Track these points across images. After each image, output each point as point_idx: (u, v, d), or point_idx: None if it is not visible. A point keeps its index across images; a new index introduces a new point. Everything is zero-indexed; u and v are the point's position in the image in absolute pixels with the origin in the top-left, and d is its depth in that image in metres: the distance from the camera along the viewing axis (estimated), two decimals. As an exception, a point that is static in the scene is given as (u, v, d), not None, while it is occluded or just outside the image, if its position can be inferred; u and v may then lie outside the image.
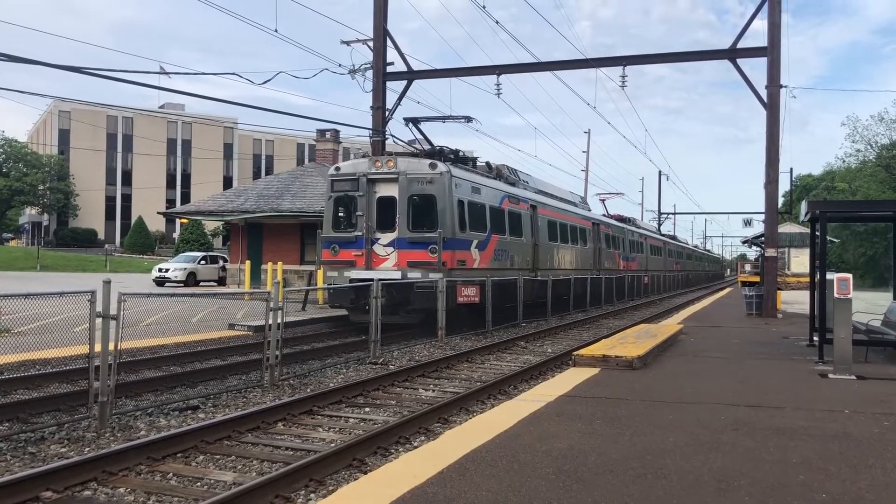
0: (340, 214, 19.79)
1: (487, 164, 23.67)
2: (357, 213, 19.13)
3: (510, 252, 22.34)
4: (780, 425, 7.36)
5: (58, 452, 7.54)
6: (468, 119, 22.39)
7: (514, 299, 21.87)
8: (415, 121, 21.34)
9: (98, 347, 8.53)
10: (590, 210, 36.48)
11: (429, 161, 19.05)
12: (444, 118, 22.88)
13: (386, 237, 19.01)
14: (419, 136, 21.69)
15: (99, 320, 8.55)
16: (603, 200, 48.40)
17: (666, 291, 51.38)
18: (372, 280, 16.74)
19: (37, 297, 9.53)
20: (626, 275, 38.52)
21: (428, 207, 18.71)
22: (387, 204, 19.03)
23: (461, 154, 21.84)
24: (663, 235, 63.90)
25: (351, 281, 18.47)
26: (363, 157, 20.15)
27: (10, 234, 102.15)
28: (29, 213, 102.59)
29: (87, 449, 7.65)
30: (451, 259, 18.54)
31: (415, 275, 18.20)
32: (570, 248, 29.45)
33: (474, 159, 22.61)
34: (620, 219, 43.83)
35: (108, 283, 8.61)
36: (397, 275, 18.29)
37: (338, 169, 20.01)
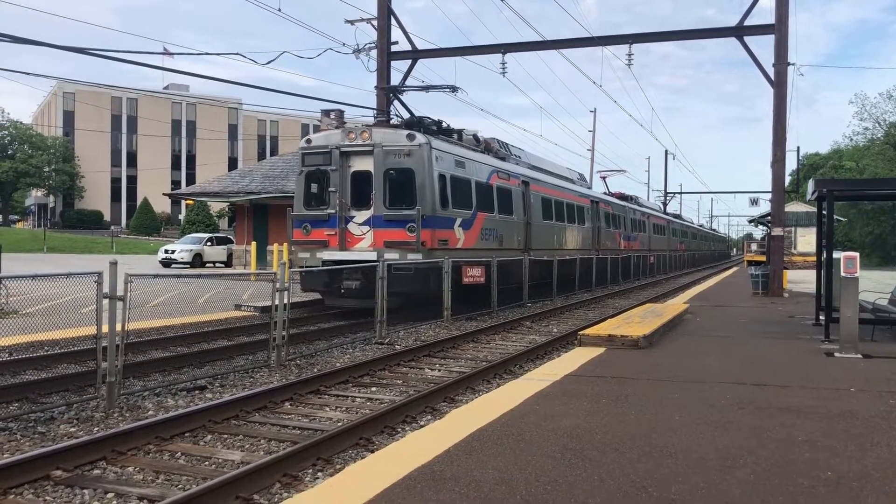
0: (313, 191, 18.42)
1: (475, 136, 22.31)
2: (330, 190, 17.77)
3: (499, 231, 21.09)
4: (785, 404, 7.37)
5: (67, 432, 7.60)
6: (453, 89, 21.44)
7: (511, 280, 21.25)
8: (394, 90, 19.93)
9: (105, 328, 8.57)
10: (589, 188, 34.66)
11: (406, 132, 17.69)
12: (426, 88, 21.91)
13: (361, 215, 17.70)
14: (399, 107, 20.61)
15: (106, 301, 8.59)
16: (604, 178, 47.39)
17: (671, 271, 51.34)
18: (346, 262, 16.23)
19: (44, 279, 9.59)
20: (629, 255, 37.56)
21: (406, 182, 17.38)
22: (362, 179, 17.68)
23: (445, 126, 20.58)
24: (667, 214, 62.90)
25: (324, 263, 17.35)
26: (336, 128, 18.53)
27: (16, 216, 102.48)
28: (35, 195, 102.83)
29: (95, 429, 7.71)
30: (431, 238, 17.24)
31: (392, 256, 16.78)
32: (567, 228, 28.12)
33: (459, 131, 21.29)
34: (622, 197, 42.54)
35: (114, 264, 8.63)
36: (373, 256, 16.73)
37: (309, 141, 18.60)
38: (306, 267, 17.86)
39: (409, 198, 17.27)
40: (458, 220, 18.60)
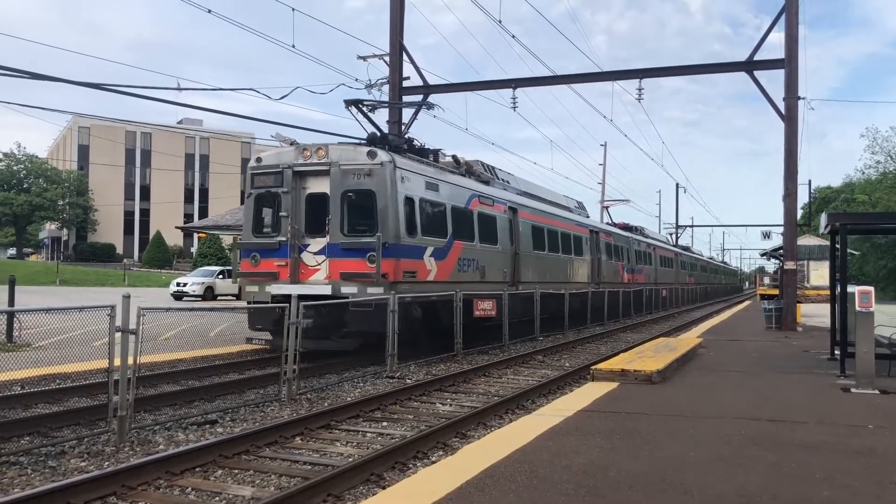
0: (263, 216, 16.48)
1: (454, 157, 20.37)
2: (281, 214, 15.83)
3: (481, 262, 19.13)
4: (802, 440, 7.27)
5: (78, 466, 7.57)
6: (429, 106, 20.09)
7: (504, 315, 19.37)
8: (356, 103, 17.60)
9: (117, 362, 8.58)
10: (588, 217, 32.65)
11: (368, 149, 15.69)
12: (395, 104, 20.52)
13: (317, 243, 15.79)
14: (361, 120, 18.00)
15: (118, 334, 8.61)
16: (606, 208, 45.70)
17: (683, 305, 50.99)
18: (298, 295, 13.43)
19: (57, 312, 9.64)
20: (633, 288, 35.87)
21: (366, 206, 15.50)
22: (318, 202, 15.81)
23: (419, 145, 18.89)
24: (676, 246, 61.69)
25: (273, 298, 15.19)
26: (291, 144, 16.45)
27: (30, 249, 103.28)
28: (49, 228, 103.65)
29: (106, 463, 7.68)
30: (394, 269, 15.30)
31: (349, 290, 15.04)
32: (562, 259, 26.15)
33: (436, 151, 19.44)
34: (626, 227, 40.90)
35: (127, 297, 8.66)
36: (327, 289, 15.09)
37: (259, 160, 16.55)
38: (255, 303, 15.64)
39: (370, 223, 15.36)
40: (429, 250, 16.64)
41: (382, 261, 14.86)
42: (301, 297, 12.43)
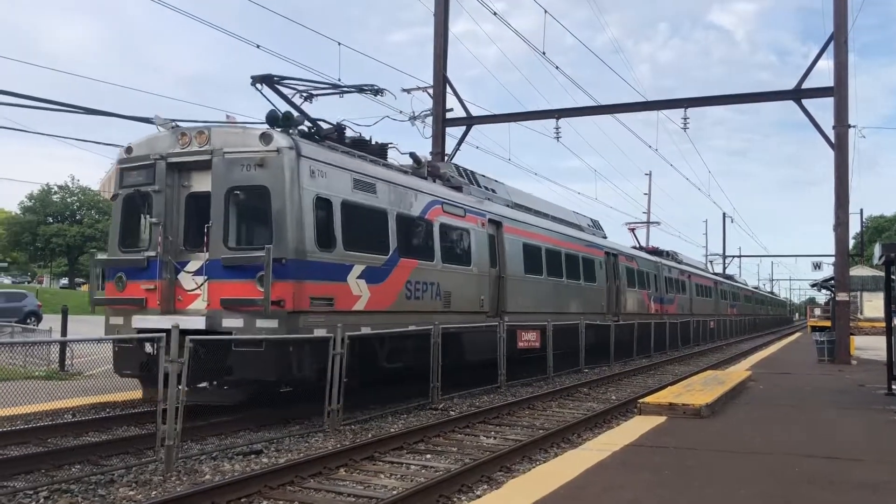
0: (133, 225, 12.72)
1: (413, 155, 17.03)
2: (151, 221, 12.17)
3: (443, 286, 15.46)
4: (860, 479, 7.03)
5: (126, 495, 7.66)
6: (375, 91, 15.58)
7: (469, 355, 16.32)
8: (268, 80, 13.43)
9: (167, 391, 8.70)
10: (605, 237, 28.34)
11: (261, 131, 11.99)
12: (323, 87, 14.93)
13: (198, 260, 12.07)
14: (288, 105, 13.76)
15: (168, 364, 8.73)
16: (632, 229, 39.54)
17: (730, 337, 49.96)
18: (170, 330, 9.29)
19: (108, 342, 9.84)
20: (663, 320, 31.86)
21: (259, 208, 11.93)
22: (204, 205, 12.08)
23: (355, 135, 15.10)
24: (716, 274, 58.12)
25: (139, 332, 11.47)
26: (172, 128, 12.55)
27: (81, 279, 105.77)
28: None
29: (153, 492, 7.76)
30: (295, 295, 11.45)
31: (233, 322, 11.35)
32: (566, 285, 22.25)
33: (383, 146, 15.64)
34: (655, 252, 36.75)
35: (176, 327, 8.81)
36: (200, 322, 11.39)
37: (129, 150, 12.68)
38: (118, 337, 11.76)
39: (263, 232, 11.92)
40: (357, 269, 12.80)
41: (276, 283, 11.13)
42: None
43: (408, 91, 27.11)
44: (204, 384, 11.83)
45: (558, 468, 7.48)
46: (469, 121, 27.16)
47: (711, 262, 68.88)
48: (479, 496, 7.40)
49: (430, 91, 26.81)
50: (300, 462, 8.68)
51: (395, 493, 7.58)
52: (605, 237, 28.41)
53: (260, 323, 11.21)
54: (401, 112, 24.78)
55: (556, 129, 26.63)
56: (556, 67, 26.36)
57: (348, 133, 15.05)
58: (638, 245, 36.73)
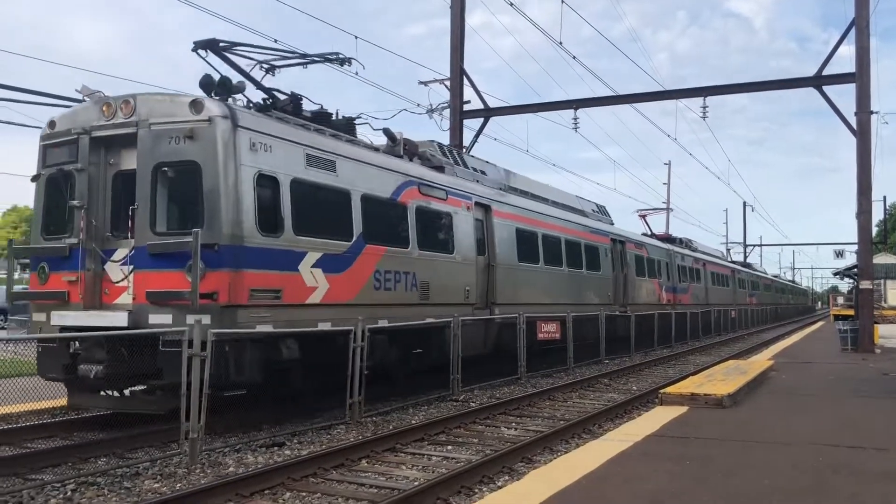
0: (56, 208, 11.19)
1: (387, 131, 15.29)
2: (72, 204, 10.71)
3: (420, 276, 14.05)
4: (885, 468, 6.97)
5: (151, 488, 7.75)
6: (341, 61, 13.89)
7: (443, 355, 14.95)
8: (213, 45, 11.94)
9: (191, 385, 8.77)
10: (612, 223, 26.89)
11: (190, 98, 10.47)
12: (282, 55, 13.51)
13: (126, 248, 10.67)
14: (242, 76, 12.26)
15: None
16: (643, 216, 37.49)
17: (752, 327, 49.62)
18: (93, 329, 9.83)
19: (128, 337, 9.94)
20: (677, 311, 30.52)
21: (189, 187, 10.35)
22: (131, 185, 10.61)
23: (315, 107, 13.56)
24: (734, 263, 56.01)
25: (62, 331, 10.46)
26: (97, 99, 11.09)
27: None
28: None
29: (178, 485, 7.85)
30: (230, 286, 9.94)
31: (160, 319, 9.94)
32: (567, 274, 20.85)
33: (350, 120, 14.14)
34: (667, 239, 35.34)
35: (198, 322, 8.88)
36: (122, 319, 10.06)
37: (52, 125, 11.28)
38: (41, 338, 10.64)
39: (195, 214, 10.32)
40: (314, 257, 11.35)
41: (208, 273, 9.80)
42: (94, 330, 9.69)
43: (425, 84, 27.10)
44: (137, 388, 10.61)
45: (580, 459, 7.49)
46: (486, 113, 27.11)
47: (729, 249, 67.00)
48: (500, 487, 7.43)
49: (447, 83, 26.77)
50: (322, 454, 8.75)
51: (416, 484, 7.62)
52: (612, 223, 26.88)
53: (191, 319, 9.52)
54: (418, 105, 24.77)
55: (574, 119, 26.51)
56: (574, 58, 26.22)
57: (343, 119, 13.99)
58: (650, 232, 35.02)
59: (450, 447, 9.87)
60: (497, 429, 11.27)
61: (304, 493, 7.54)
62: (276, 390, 11.24)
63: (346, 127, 13.85)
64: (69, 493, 7.49)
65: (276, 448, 9.69)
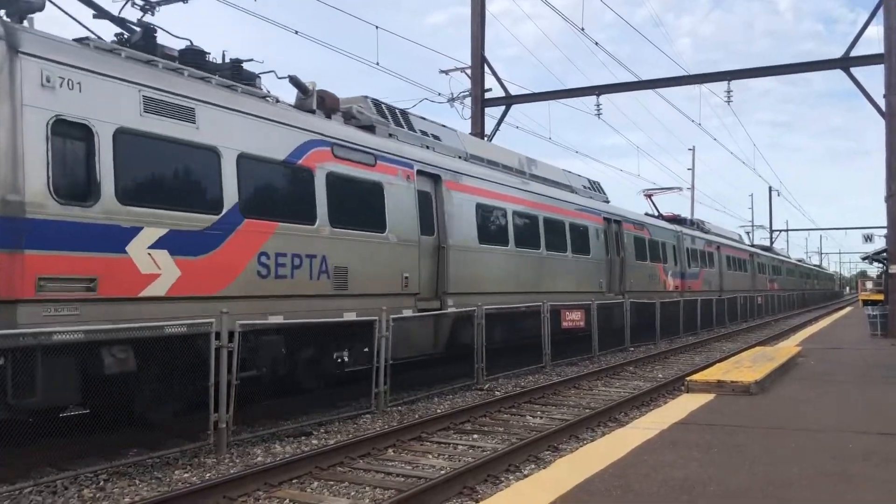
0: None
1: (294, 80, 12.38)
2: None
3: (334, 261, 11.40)
4: (916, 455, 6.89)
5: (181, 477, 7.87)
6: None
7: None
8: None
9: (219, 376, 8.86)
10: (607, 201, 23.92)
11: None
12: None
13: None
14: (96, 12, 10.01)
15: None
16: (649, 196, 33.70)
17: (778, 313, 49.14)
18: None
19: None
20: (687, 298, 28.26)
21: None
22: None
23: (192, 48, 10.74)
24: (753, 246, 52.77)
25: None
26: None
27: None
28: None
29: (208, 475, 7.95)
30: (3, 273, 7.51)
31: None
32: (545, 258, 18.07)
33: (237, 63, 11.31)
34: (675, 220, 32.59)
35: (225, 313, 8.96)
36: None
37: None
38: None
39: None
40: (155, 234, 8.83)
41: None
42: None
43: (446, 72, 27.09)
44: None
45: (606, 447, 7.47)
46: (508, 100, 27.02)
47: (749, 233, 63.80)
48: (526, 475, 7.44)
49: (468, 71, 26.71)
50: (349, 443, 8.82)
51: (443, 472, 7.65)
52: (608, 201, 24.09)
53: None
54: (439, 94, 24.72)
55: (597, 105, 26.37)
56: (596, 44, 26.00)
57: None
58: (657, 213, 32.23)
59: (475, 436, 9.90)
60: (522, 417, 11.28)
61: (331, 482, 7.61)
62: (107, 412, 9.27)
63: (233, 71, 11.08)
64: (101, 483, 7.62)
65: (303, 438, 9.79)
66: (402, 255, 13.04)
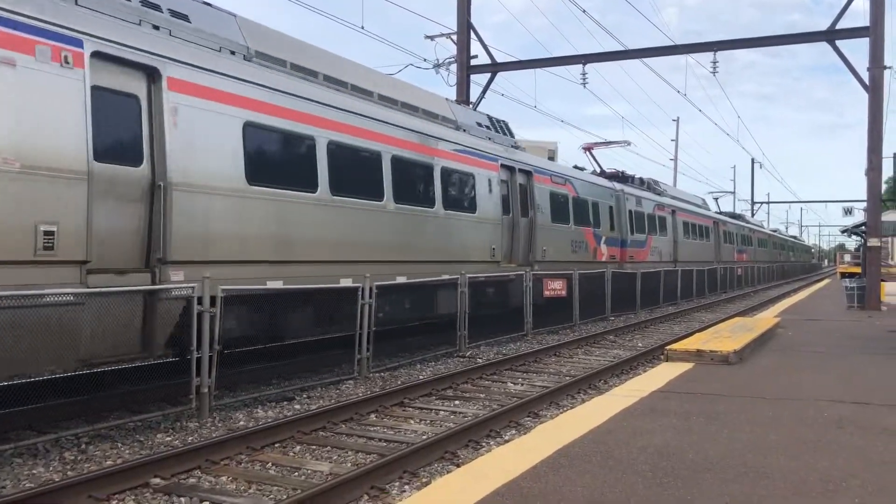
0: None
1: None
2: None
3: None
4: (890, 424, 7.02)
5: (163, 441, 7.87)
6: None
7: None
8: None
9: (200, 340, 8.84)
10: (514, 146, 19.00)
11: None
12: None
13: None
14: None
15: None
16: (588, 149, 29.20)
17: (757, 284, 49.64)
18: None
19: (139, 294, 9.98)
20: (619, 269, 23.69)
21: None
22: None
23: None
24: (722, 214, 47.30)
25: None
26: None
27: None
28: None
29: (190, 438, 7.97)
30: None
31: None
32: (394, 214, 13.10)
33: None
34: (616, 177, 27.73)
35: (207, 278, 8.91)
36: None
37: None
38: None
39: None
40: None
41: None
42: None
43: (431, 38, 26.83)
44: None
45: (586, 414, 7.55)
46: (494, 67, 26.81)
47: (717, 199, 55.91)
48: (507, 441, 7.52)
49: (454, 38, 26.46)
50: (332, 408, 8.85)
51: (425, 437, 7.71)
52: (516, 146, 19.15)
53: None
54: (425, 60, 24.50)
55: (583, 74, 26.21)
56: (583, 11, 25.79)
57: None
58: (601, 170, 28.34)
59: (457, 402, 9.97)
60: (504, 384, 11.37)
61: (314, 447, 7.65)
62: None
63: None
64: (83, 445, 7.61)
65: (285, 403, 9.81)
66: (49, 203, 7.54)
